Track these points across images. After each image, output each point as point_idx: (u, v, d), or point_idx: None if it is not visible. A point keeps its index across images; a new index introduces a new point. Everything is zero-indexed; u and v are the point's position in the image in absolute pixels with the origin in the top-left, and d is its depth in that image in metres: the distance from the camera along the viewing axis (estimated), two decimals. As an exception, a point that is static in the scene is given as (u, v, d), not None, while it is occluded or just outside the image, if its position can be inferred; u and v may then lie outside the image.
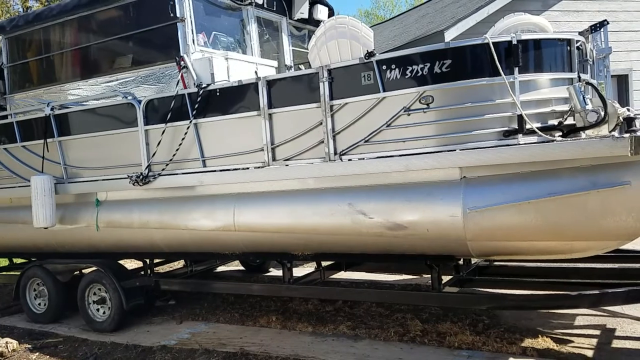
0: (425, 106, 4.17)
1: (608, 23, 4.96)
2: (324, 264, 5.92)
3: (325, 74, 4.53)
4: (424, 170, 4.29)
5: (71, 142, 6.10)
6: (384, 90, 4.31)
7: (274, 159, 4.89)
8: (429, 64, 4.10)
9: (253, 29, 6.33)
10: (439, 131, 4.19)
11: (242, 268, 8.47)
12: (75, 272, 6.90)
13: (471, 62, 4.10)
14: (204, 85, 5.16)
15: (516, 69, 4.00)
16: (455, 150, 4.12)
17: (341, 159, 4.57)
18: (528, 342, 4.62)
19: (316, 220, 4.77)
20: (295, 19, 6.90)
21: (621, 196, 3.77)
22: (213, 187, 5.31)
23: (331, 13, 7.11)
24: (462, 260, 5.25)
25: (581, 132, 4.03)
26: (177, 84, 5.40)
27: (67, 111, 6.13)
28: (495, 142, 4.04)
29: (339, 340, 5.13)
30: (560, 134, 4.09)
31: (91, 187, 6.00)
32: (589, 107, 3.94)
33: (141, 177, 5.48)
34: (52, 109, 6.12)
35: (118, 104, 5.75)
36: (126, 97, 5.64)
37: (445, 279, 5.03)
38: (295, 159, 4.80)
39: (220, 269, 8.27)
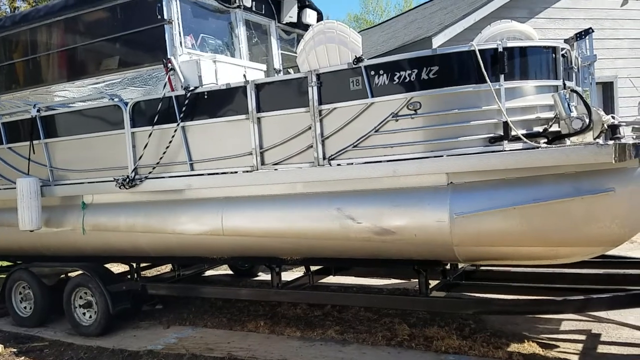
0: (413, 112, 4.19)
1: (593, 31, 5.02)
2: (313, 268, 5.91)
3: (314, 79, 4.54)
4: (411, 176, 4.31)
5: (57, 144, 6.05)
6: (372, 96, 4.32)
7: (262, 163, 4.89)
8: (416, 70, 4.13)
9: (241, 32, 6.32)
10: (427, 137, 4.22)
11: (230, 272, 8.44)
12: (62, 276, 6.82)
13: (458, 68, 4.13)
14: (191, 88, 5.14)
15: (502, 76, 4.03)
16: (442, 156, 4.14)
17: (330, 164, 4.58)
18: (514, 347, 4.65)
19: (305, 224, 4.77)
20: (284, 22, 6.91)
21: (605, 203, 3.81)
22: (201, 190, 5.29)
23: (320, 17, 7.13)
24: (449, 265, 5.27)
25: (566, 139, 4.07)
26: (165, 86, 5.38)
27: (54, 113, 6.08)
28: (481, 149, 4.07)
29: (327, 345, 5.13)
30: (545, 140, 4.12)
31: (77, 190, 5.95)
32: (574, 114, 3.98)
33: (128, 180, 5.44)
34: (38, 111, 6.07)
35: (104, 106, 5.71)
36: (113, 99, 5.61)
37: (433, 283, 5.06)
38: (284, 164, 4.80)
39: (209, 273, 8.24)
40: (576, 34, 4.94)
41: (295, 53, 5.30)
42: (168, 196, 5.47)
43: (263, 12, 6.63)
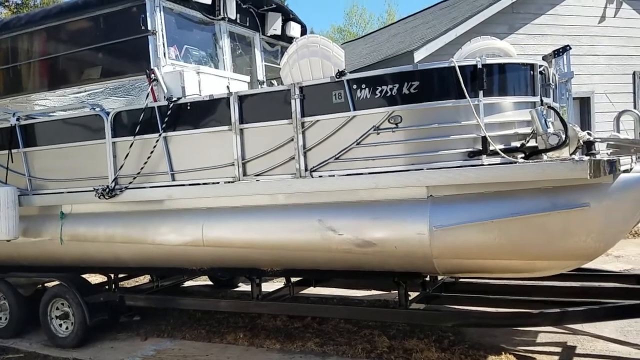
0: (394, 126, 4.24)
1: (570, 48, 5.13)
2: (294, 279, 5.91)
3: (297, 91, 4.57)
4: (392, 188, 4.36)
5: (37, 153, 5.98)
6: (355, 109, 4.37)
7: (244, 174, 4.89)
8: (397, 85, 4.19)
9: (226, 43, 6.35)
10: (407, 150, 4.27)
11: (210, 283, 8.38)
12: (38, 286, 6.73)
13: (438, 84, 4.21)
14: (174, 99, 5.14)
15: (481, 92, 4.11)
16: (422, 169, 4.20)
17: (312, 176, 4.60)
18: (492, 359, 4.69)
19: (286, 236, 4.78)
20: (268, 35, 6.96)
21: (581, 217, 3.89)
22: (182, 201, 5.26)
23: (304, 30, 7.19)
24: (428, 277, 5.32)
25: (543, 154, 4.14)
26: (147, 96, 5.36)
27: (33, 122, 6.02)
28: (460, 162, 4.14)
29: (306, 357, 5.12)
30: (523, 155, 4.20)
31: (56, 200, 5.88)
32: (551, 130, 4.06)
33: (107, 190, 5.39)
34: (17, 119, 6.00)
35: (85, 116, 5.67)
36: (94, 109, 5.57)
37: (413, 295, 5.10)
38: (266, 175, 4.81)
39: (188, 283, 8.16)
40: (554, 51, 5.05)
41: (279, 65, 5.34)
42: (148, 206, 5.43)
43: (247, 25, 6.67)
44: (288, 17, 7.04)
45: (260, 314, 6.31)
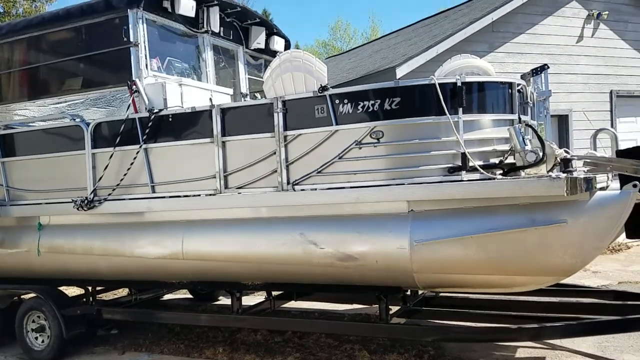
0: (376, 141, 4.28)
1: (548, 67, 5.23)
2: (275, 293, 5.88)
3: (280, 105, 4.59)
4: (373, 203, 4.38)
5: (15, 163, 5.90)
6: (337, 124, 4.40)
7: (226, 187, 4.87)
8: (379, 101, 4.23)
9: (209, 56, 6.35)
10: (389, 165, 4.31)
11: (190, 296, 8.29)
12: (14, 298, 6.58)
13: (419, 100, 4.27)
14: (155, 111, 5.12)
15: (460, 109, 4.17)
16: (403, 184, 4.23)
17: (294, 189, 4.61)
18: (471, 374, 4.72)
19: (267, 249, 4.76)
20: (252, 48, 6.98)
21: (558, 234, 3.94)
22: (162, 213, 5.22)
23: (287, 44, 7.23)
24: (409, 291, 5.33)
25: (521, 171, 4.21)
26: (128, 108, 5.33)
27: (12, 132, 5.94)
28: (440, 178, 4.18)
29: (286, 371, 5.08)
30: (501, 172, 4.26)
31: (33, 211, 5.80)
32: (528, 147, 4.13)
33: (86, 201, 5.33)
34: (-5, 129, 5.92)
35: (65, 126, 5.61)
36: (74, 119, 5.52)
37: (394, 309, 5.10)
38: (248, 188, 4.80)
39: (168, 296, 8.06)
40: (532, 70, 5.14)
41: (262, 78, 5.36)
42: (127, 218, 5.38)
43: (231, 38, 6.69)
44: (272, 31, 7.08)
45: (240, 328, 6.26)
